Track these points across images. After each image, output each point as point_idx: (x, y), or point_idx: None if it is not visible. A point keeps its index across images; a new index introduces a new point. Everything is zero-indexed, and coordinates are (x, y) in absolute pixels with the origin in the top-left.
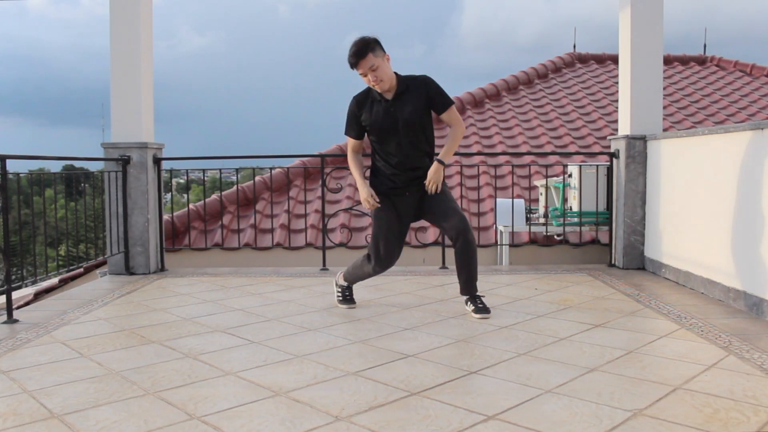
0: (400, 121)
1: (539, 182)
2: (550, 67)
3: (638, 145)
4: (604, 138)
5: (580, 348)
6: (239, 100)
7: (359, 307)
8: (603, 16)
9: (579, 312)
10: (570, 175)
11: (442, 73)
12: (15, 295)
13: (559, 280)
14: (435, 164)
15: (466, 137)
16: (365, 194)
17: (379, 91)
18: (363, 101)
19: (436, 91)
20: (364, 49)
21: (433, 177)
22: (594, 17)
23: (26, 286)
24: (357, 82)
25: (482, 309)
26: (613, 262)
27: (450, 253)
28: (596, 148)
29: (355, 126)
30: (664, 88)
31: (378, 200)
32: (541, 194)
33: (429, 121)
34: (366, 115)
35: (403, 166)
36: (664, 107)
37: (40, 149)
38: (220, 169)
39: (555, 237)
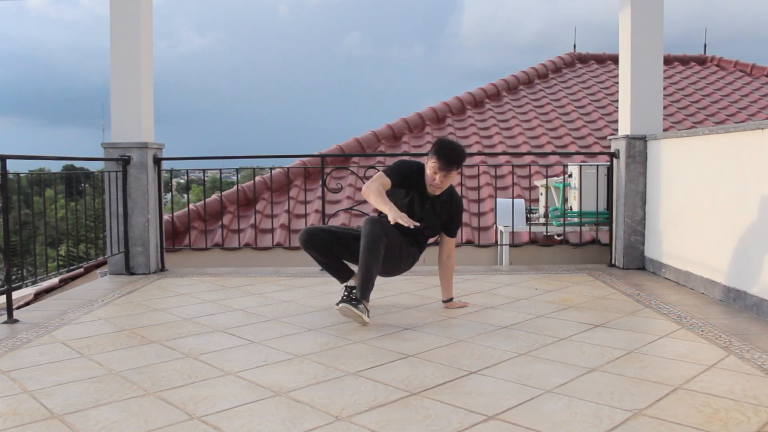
0: (424, 215)
1: (539, 182)
2: (550, 67)
3: (638, 145)
4: (604, 138)
5: (580, 348)
6: (239, 100)
7: None
8: (603, 16)
9: (579, 312)
10: (570, 175)
11: (442, 73)
12: (15, 295)
13: (559, 280)
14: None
15: (466, 137)
16: (400, 216)
17: (431, 189)
18: (415, 176)
19: (458, 219)
20: (459, 162)
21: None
22: (594, 17)
23: (26, 286)
24: (357, 82)
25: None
26: (613, 262)
27: None
28: (596, 148)
29: (398, 179)
30: (664, 88)
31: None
32: (542, 194)
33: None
34: (407, 190)
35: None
36: (664, 107)
37: (40, 149)
38: (220, 169)
39: (555, 237)
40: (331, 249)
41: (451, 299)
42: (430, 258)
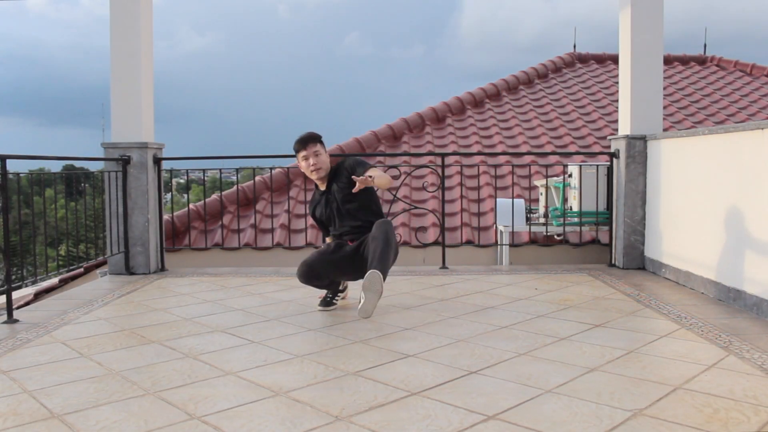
0: (338, 203)
1: (539, 182)
2: (550, 67)
3: (638, 145)
4: (604, 138)
5: (580, 348)
6: (239, 100)
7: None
8: (603, 16)
9: (579, 312)
10: (570, 175)
11: (442, 73)
12: (15, 295)
13: (559, 280)
14: (364, 178)
15: (466, 137)
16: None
17: (315, 178)
18: (317, 200)
19: (352, 163)
20: (313, 137)
21: (360, 180)
22: (594, 17)
23: (26, 286)
24: (357, 82)
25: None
26: (613, 262)
27: (450, 252)
28: (596, 148)
29: (318, 215)
30: (664, 88)
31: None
32: (541, 194)
33: (365, 193)
34: (320, 210)
35: (346, 233)
36: (664, 107)
37: (40, 149)
38: (220, 169)
39: (555, 237)
40: (331, 276)
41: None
42: (431, 258)
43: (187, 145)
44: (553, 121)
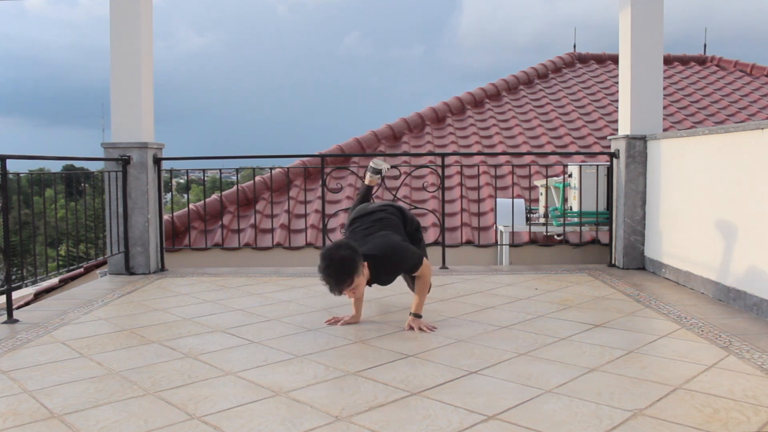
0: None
1: (539, 182)
2: (550, 67)
3: (638, 145)
4: (604, 138)
5: (580, 348)
6: (239, 100)
7: None
8: (603, 16)
9: (579, 312)
10: (570, 175)
11: (441, 73)
12: (15, 295)
13: (559, 280)
14: (411, 318)
15: (466, 137)
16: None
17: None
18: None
19: (407, 268)
20: (339, 282)
21: (415, 326)
22: (594, 17)
23: (26, 286)
24: (357, 82)
25: None
26: (613, 262)
27: (450, 252)
28: (596, 148)
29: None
30: (664, 88)
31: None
32: (541, 194)
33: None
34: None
35: None
36: (664, 107)
37: (40, 149)
38: (220, 169)
39: (555, 237)
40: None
41: (418, 316)
42: (431, 258)
43: (187, 145)
44: (553, 121)
